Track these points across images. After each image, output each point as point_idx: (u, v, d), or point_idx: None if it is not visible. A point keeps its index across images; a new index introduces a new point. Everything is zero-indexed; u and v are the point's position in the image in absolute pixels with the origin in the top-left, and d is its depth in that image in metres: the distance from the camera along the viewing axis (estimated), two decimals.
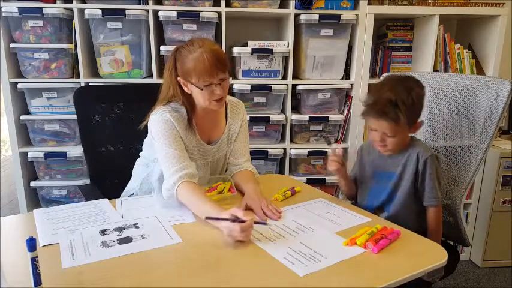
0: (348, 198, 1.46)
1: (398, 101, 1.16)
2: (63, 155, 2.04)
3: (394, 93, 1.17)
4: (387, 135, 1.22)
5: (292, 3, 2.01)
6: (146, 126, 1.36)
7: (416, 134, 1.55)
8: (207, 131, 1.41)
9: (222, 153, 1.46)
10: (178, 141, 1.30)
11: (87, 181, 1.76)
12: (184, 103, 1.32)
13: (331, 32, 2.07)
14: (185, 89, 1.30)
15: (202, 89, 1.25)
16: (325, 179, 2.20)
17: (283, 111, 2.19)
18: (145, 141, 1.48)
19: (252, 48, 2.03)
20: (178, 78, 1.29)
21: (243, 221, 1.02)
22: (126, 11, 1.92)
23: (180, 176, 1.23)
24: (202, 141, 1.39)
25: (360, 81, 2.14)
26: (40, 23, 1.94)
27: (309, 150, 2.15)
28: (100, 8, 1.92)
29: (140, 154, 1.53)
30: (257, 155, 2.13)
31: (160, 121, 1.30)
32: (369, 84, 1.32)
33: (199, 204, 1.17)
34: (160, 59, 2.04)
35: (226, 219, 1.03)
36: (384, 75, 1.40)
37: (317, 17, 2.01)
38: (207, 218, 1.08)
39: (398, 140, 1.24)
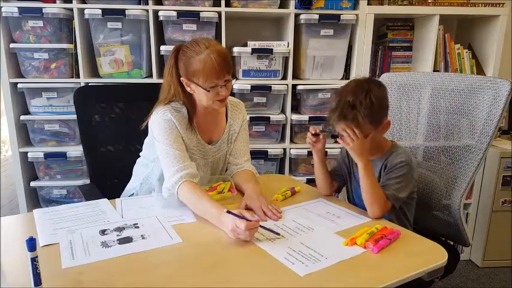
0: (321, 191, 1.41)
1: (356, 103, 1.17)
2: (63, 155, 2.05)
3: (352, 96, 1.18)
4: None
5: (292, 3, 2.01)
6: (147, 126, 1.36)
7: (415, 134, 1.56)
8: (208, 131, 1.41)
9: (222, 153, 1.46)
10: (179, 141, 1.30)
11: (87, 181, 1.76)
12: (185, 103, 1.32)
13: (331, 32, 2.07)
14: (188, 89, 1.29)
15: (208, 91, 1.25)
16: None
17: (283, 111, 2.19)
18: (146, 141, 1.48)
19: (252, 48, 2.03)
20: (181, 78, 1.28)
21: (249, 221, 1.02)
22: (126, 11, 1.93)
23: (181, 176, 1.23)
24: (202, 141, 1.39)
25: None
26: (40, 23, 1.94)
27: (309, 150, 2.14)
28: (100, 8, 1.92)
29: (140, 154, 1.53)
30: (257, 155, 2.12)
31: (161, 121, 1.30)
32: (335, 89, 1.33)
33: (201, 204, 1.17)
34: (160, 59, 2.04)
35: (244, 217, 1.03)
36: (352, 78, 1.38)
37: (317, 17, 2.01)
38: (228, 211, 1.06)
39: (371, 141, 1.22)
